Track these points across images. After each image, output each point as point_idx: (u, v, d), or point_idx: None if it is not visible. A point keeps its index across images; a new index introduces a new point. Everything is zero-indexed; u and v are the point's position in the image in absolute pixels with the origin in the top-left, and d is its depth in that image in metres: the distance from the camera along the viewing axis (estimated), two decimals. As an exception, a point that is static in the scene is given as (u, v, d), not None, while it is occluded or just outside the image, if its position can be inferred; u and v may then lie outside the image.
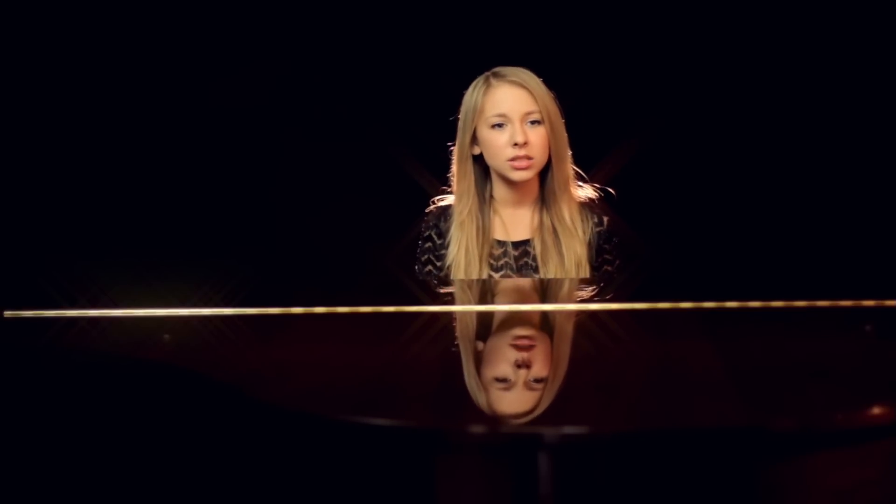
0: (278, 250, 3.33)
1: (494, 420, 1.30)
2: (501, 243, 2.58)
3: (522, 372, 1.53)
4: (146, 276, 2.22)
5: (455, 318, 2.00)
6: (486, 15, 3.30)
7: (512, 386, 1.44)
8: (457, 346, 1.79)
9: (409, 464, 1.22)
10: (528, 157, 2.47)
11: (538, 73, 2.52)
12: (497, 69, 2.53)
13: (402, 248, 2.75)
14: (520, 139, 2.45)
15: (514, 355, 1.68)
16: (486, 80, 2.52)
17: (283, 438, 1.32)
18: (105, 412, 1.62)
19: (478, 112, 2.51)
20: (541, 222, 2.56)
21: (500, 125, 2.48)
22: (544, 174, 2.56)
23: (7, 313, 1.98)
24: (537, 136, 2.48)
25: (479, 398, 1.38)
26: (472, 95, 2.53)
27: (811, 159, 3.27)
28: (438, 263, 2.61)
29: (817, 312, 1.93)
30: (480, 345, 1.79)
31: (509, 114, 2.47)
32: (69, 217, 3.30)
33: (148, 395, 1.59)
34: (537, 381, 1.48)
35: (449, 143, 2.59)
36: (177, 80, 3.34)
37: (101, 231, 3.28)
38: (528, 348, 1.74)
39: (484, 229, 2.57)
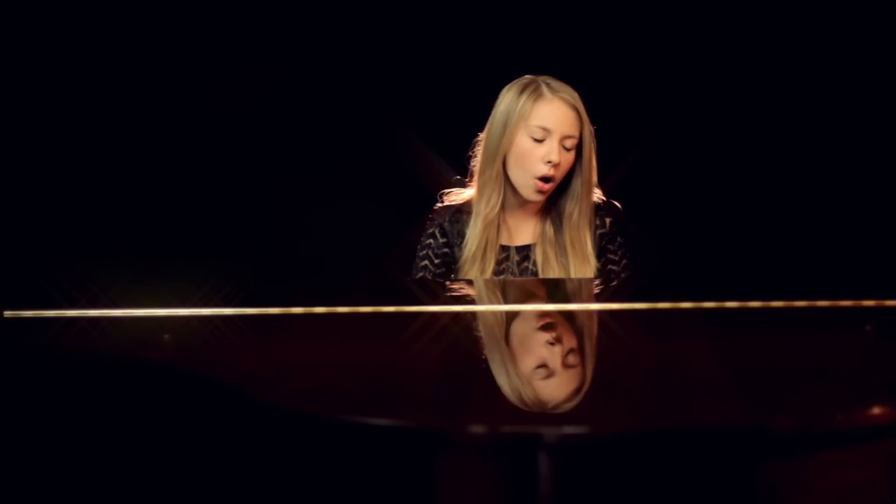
0: (279, 250, 3.33)
1: (494, 420, 1.30)
2: (505, 248, 2.57)
3: (522, 372, 1.53)
4: (146, 276, 2.22)
5: (455, 319, 2.00)
6: (494, 18, 3.29)
7: (512, 386, 1.44)
8: (457, 345, 1.79)
9: (409, 464, 1.22)
10: (552, 179, 2.46)
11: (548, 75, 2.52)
12: (548, 79, 2.49)
13: (404, 248, 2.75)
14: (555, 158, 2.43)
15: (514, 355, 1.68)
16: (538, 87, 2.47)
17: (284, 438, 1.32)
18: (105, 412, 1.62)
19: (522, 117, 2.46)
20: (543, 232, 2.55)
21: (539, 138, 2.45)
22: (559, 189, 2.53)
23: (7, 313, 1.97)
24: (567, 160, 2.47)
25: (481, 398, 1.38)
26: (519, 98, 2.48)
27: (811, 160, 3.27)
28: (437, 261, 2.59)
29: (817, 312, 1.93)
30: (480, 345, 1.79)
31: (553, 129, 2.44)
32: (69, 217, 3.30)
33: (148, 395, 1.59)
34: (537, 381, 1.48)
35: (478, 134, 2.57)
36: (177, 79, 3.34)
37: (101, 231, 3.28)
38: (528, 348, 1.74)
39: (499, 231, 2.56)
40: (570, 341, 1.84)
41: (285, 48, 3.36)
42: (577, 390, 1.43)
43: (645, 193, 2.90)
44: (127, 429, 1.60)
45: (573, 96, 2.48)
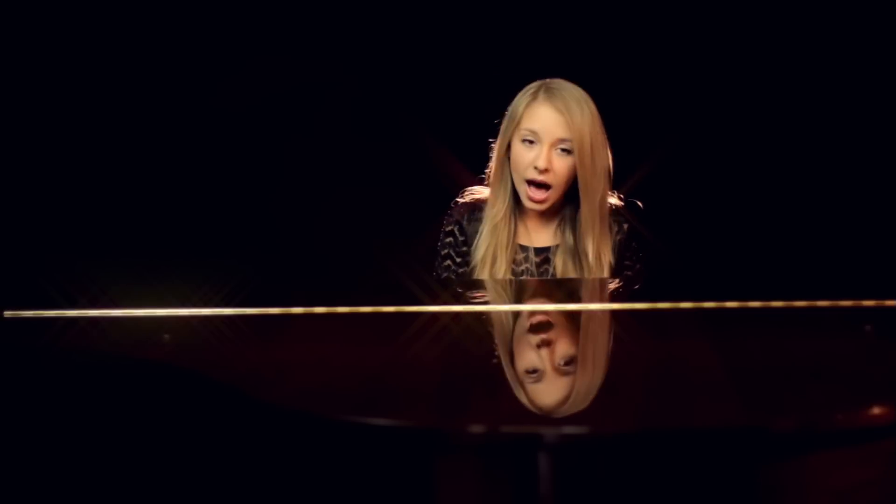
0: (279, 250, 3.33)
1: (494, 420, 1.30)
2: (524, 248, 2.54)
3: (523, 372, 1.53)
4: (146, 276, 2.22)
5: (455, 319, 2.00)
6: (513, 16, 3.29)
7: (513, 386, 1.44)
8: (458, 346, 1.79)
9: (409, 464, 1.22)
10: (546, 186, 2.41)
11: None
12: (551, 83, 2.44)
13: (407, 249, 2.74)
14: (541, 164, 2.39)
15: (514, 355, 1.68)
16: (535, 91, 2.44)
17: (283, 438, 1.32)
18: (105, 412, 1.62)
19: (516, 121, 2.43)
20: (563, 238, 2.52)
21: (530, 141, 2.41)
22: (573, 195, 2.49)
23: (7, 313, 1.97)
24: (563, 165, 2.41)
25: (481, 398, 1.38)
26: (519, 101, 2.46)
27: (811, 160, 3.27)
28: (458, 259, 2.57)
29: (817, 312, 1.93)
30: (481, 345, 1.79)
31: (541, 134, 2.40)
32: (69, 217, 3.30)
33: (148, 394, 1.59)
34: (538, 381, 1.48)
35: (490, 140, 2.55)
36: (178, 79, 3.34)
37: (101, 231, 3.28)
38: (528, 348, 1.74)
39: (514, 234, 2.53)
40: (569, 341, 1.84)
41: (288, 43, 3.36)
42: (576, 390, 1.43)
43: (645, 193, 2.90)
44: (127, 429, 1.60)
45: (565, 100, 2.40)
